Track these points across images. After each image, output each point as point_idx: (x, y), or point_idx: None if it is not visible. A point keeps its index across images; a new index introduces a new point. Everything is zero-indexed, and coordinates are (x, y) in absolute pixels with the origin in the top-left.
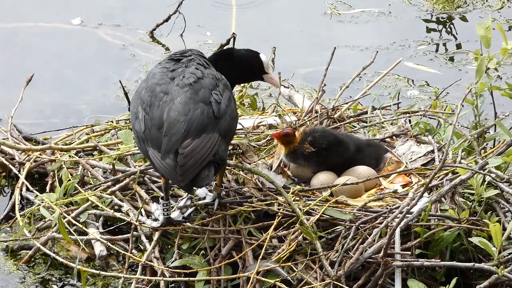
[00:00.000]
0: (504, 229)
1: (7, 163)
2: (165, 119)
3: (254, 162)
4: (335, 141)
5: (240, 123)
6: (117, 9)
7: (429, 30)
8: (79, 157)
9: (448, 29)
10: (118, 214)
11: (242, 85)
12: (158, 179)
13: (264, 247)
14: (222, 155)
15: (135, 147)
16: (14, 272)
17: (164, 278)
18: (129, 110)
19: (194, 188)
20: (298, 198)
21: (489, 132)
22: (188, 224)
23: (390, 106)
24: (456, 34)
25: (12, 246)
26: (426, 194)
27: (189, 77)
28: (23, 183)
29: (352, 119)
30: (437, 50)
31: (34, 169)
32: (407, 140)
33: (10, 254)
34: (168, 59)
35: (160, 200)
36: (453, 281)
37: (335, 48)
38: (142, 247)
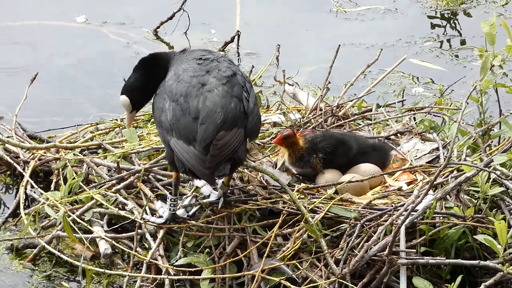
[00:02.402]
0: (510, 226)
1: (12, 162)
2: (201, 108)
3: (259, 160)
4: (337, 143)
5: None
6: (121, 7)
7: (433, 26)
8: (84, 155)
9: (452, 25)
10: (122, 212)
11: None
12: (163, 177)
13: (269, 245)
14: (241, 155)
15: (139, 145)
16: (21, 271)
17: (169, 277)
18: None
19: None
20: (303, 196)
21: (494, 130)
22: (192, 222)
23: (394, 103)
24: (461, 30)
25: (17, 245)
26: (431, 192)
27: (225, 71)
28: (27, 181)
29: (356, 116)
30: (441, 47)
31: (38, 167)
32: (412, 137)
33: (15, 252)
34: (195, 58)
35: (168, 195)
36: (458, 279)
37: (339, 45)
38: (146, 245)
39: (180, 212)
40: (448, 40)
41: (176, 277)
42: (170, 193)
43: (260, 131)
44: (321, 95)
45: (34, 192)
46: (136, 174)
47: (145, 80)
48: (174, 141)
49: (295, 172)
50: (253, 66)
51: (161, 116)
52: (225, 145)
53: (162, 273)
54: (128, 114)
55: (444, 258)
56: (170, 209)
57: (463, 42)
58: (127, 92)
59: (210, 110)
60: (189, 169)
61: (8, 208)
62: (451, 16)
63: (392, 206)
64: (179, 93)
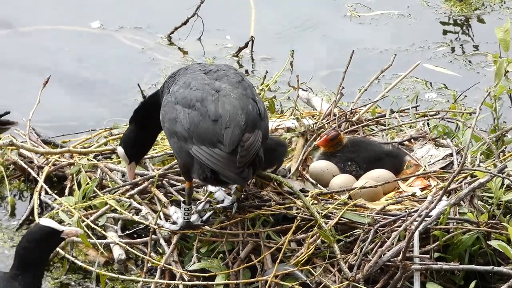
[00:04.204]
0: None
1: (26, 167)
2: (222, 112)
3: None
4: (359, 140)
5: None
6: (136, 13)
7: (446, 32)
8: (98, 160)
9: (466, 31)
10: (136, 218)
11: (260, 87)
12: (177, 183)
13: (283, 250)
14: (262, 156)
15: (153, 150)
16: None
17: (183, 282)
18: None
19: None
20: (316, 202)
21: (508, 136)
22: (206, 227)
23: (408, 109)
24: (474, 36)
25: None
26: (444, 197)
27: (234, 77)
28: (42, 186)
29: (370, 122)
30: (455, 52)
31: (52, 172)
32: (426, 143)
33: None
34: (199, 70)
35: (182, 204)
36: (472, 285)
37: (353, 51)
38: (160, 251)
39: (194, 217)
40: (462, 46)
41: (190, 283)
42: (184, 202)
43: (274, 136)
44: (335, 100)
45: (48, 198)
46: (150, 180)
47: (139, 131)
48: (196, 148)
49: (309, 178)
50: (267, 72)
51: (176, 127)
52: (250, 145)
53: (176, 278)
54: (127, 165)
55: (458, 263)
56: (184, 217)
57: (476, 48)
58: (123, 143)
59: (231, 113)
60: (211, 174)
61: (23, 214)
62: (465, 22)
63: (405, 211)
64: (195, 98)
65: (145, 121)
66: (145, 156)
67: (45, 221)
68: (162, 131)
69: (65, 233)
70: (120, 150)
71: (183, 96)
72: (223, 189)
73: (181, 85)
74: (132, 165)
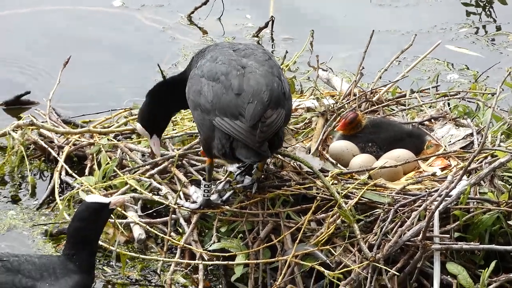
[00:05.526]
0: None
1: (46, 146)
2: (246, 88)
3: (292, 145)
4: (379, 121)
5: None
6: None
7: (468, 13)
8: (118, 140)
9: (488, 12)
10: (156, 197)
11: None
12: (197, 163)
13: (302, 230)
14: (282, 136)
15: (173, 130)
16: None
17: (203, 262)
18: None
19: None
20: (336, 182)
21: None
22: (226, 207)
23: (428, 89)
24: (496, 17)
25: (51, 230)
26: (465, 177)
27: (261, 56)
28: (62, 166)
29: (390, 102)
30: (476, 33)
31: (73, 152)
32: (446, 123)
33: (50, 238)
34: (227, 47)
35: (202, 181)
36: (492, 264)
37: (373, 31)
38: (180, 230)
39: (214, 197)
40: (484, 27)
41: (210, 262)
42: (204, 179)
43: (294, 116)
44: (355, 81)
45: (69, 178)
46: (170, 160)
47: (154, 104)
48: (218, 120)
49: (329, 157)
50: (287, 52)
51: (200, 99)
52: (272, 122)
53: (196, 258)
54: (150, 140)
55: (478, 243)
56: (204, 195)
57: (498, 28)
58: (139, 118)
59: (255, 89)
60: (230, 150)
61: (43, 193)
62: (486, 4)
63: (426, 191)
64: (220, 72)
65: (163, 96)
66: (165, 136)
67: (91, 198)
68: (181, 111)
69: (113, 203)
70: (138, 126)
71: (209, 69)
72: (242, 168)
73: (208, 59)
74: (154, 139)
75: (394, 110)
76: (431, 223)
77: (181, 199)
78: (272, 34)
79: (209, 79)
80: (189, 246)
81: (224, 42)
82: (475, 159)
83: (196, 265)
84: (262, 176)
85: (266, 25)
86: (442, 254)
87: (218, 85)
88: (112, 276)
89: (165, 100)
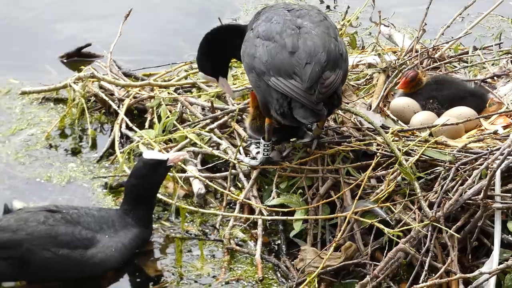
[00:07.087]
0: None
1: (107, 99)
2: (303, 48)
3: (353, 101)
4: (442, 78)
5: None
6: None
7: None
8: (178, 94)
9: None
10: (216, 152)
11: (342, 23)
12: None
13: (362, 187)
14: (340, 96)
15: (233, 84)
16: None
17: (262, 217)
18: None
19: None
20: (397, 138)
21: None
22: (286, 163)
23: (491, 46)
24: None
25: (111, 183)
26: None
27: (316, 16)
28: (122, 119)
29: (452, 59)
30: None
31: (133, 105)
32: (509, 81)
33: (109, 190)
34: (282, 7)
35: (262, 140)
36: None
37: None
38: (240, 185)
39: (274, 153)
40: None
41: (269, 217)
42: (263, 138)
43: (355, 72)
44: (417, 37)
45: (129, 131)
46: (230, 114)
47: (208, 48)
48: (274, 80)
49: (390, 114)
50: (348, 7)
51: (254, 62)
52: (330, 84)
53: (256, 213)
54: (218, 83)
55: None
56: (264, 153)
57: None
58: (198, 66)
59: (312, 50)
60: (288, 110)
61: (103, 146)
62: None
63: (487, 149)
64: (275, 31)
65: (218, 41)
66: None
67: (148, 154)
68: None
69: (171, 160)
70: (200, 74)
71: (263, 29)
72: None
73: (263, 19)
74: (222, 80)
75: (456, 67)
76: (492, 182)
77: (241, 154)
78: None
79: (264, 39)
80: (249, 201)
81: (279, 3)
82: None
83: (255, 220)
84: (322, 133)
85: None
86: (503, 213)
87: (272, 44)
88: (171, 230)
89: (220, 45)
